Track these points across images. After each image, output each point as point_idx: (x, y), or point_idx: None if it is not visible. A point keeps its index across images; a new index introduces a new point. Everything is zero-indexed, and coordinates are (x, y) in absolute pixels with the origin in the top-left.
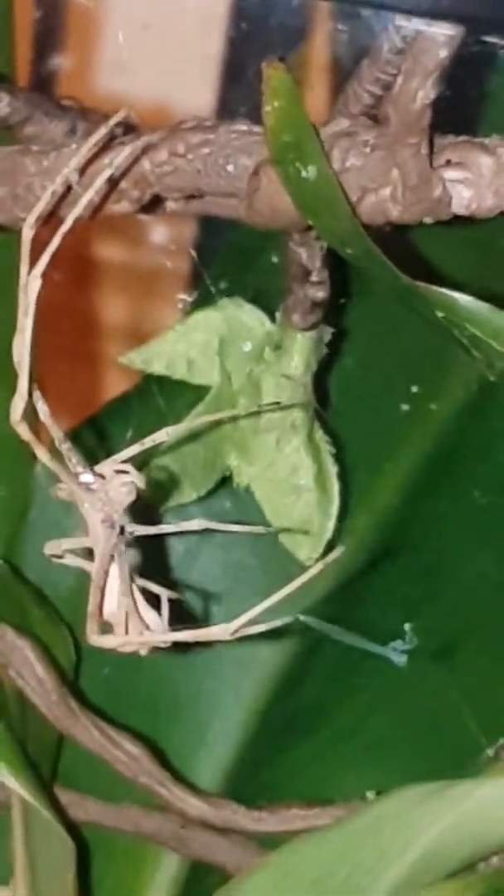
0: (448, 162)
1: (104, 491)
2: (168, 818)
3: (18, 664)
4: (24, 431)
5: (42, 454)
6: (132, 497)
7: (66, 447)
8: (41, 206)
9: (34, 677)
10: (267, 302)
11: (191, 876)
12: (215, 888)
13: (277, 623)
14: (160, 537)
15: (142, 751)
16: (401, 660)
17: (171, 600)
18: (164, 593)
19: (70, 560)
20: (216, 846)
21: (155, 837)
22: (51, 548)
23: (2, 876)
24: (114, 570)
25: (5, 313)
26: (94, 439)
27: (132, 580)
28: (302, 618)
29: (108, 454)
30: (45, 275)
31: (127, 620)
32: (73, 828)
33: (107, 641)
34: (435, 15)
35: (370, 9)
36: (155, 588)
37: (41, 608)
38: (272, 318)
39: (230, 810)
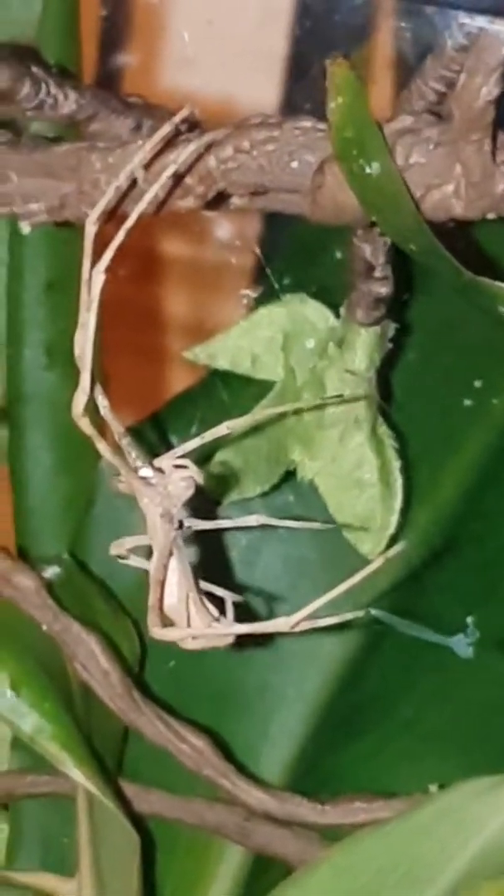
0: None
1: (163, 485)
2: (232, 811)
3: (84, 657)
4: (85, 426)
5: (103, 448)
6: (191, 492)
7: (125, 441)
8: (105, 202)
9: (99, 670)
10: (331, 298)
11: (254, 868)
12: (278, 881)
13: (349, 616)
14: (222, 532)
15: (205, 743)
16: (466, 652)
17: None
18: (228, 596)
19: (135, 561)
20: (279, 839)
21: (218, 830)
22: (115, 548)
23: (67, 868)
24: (173, 564)
25: (75, 308)
26: (157, 435)
27: (192, 575)
28: (373, 611)
29: (172, 449)
30: (109, 270)
31: (188, 615)
32: (137, 820)
33: (169, 634)
34: (498, 12)
35: (434, 6)
36: (218, 591)
37: (106, 602)
38: (336, 314)
39: (293, 803)
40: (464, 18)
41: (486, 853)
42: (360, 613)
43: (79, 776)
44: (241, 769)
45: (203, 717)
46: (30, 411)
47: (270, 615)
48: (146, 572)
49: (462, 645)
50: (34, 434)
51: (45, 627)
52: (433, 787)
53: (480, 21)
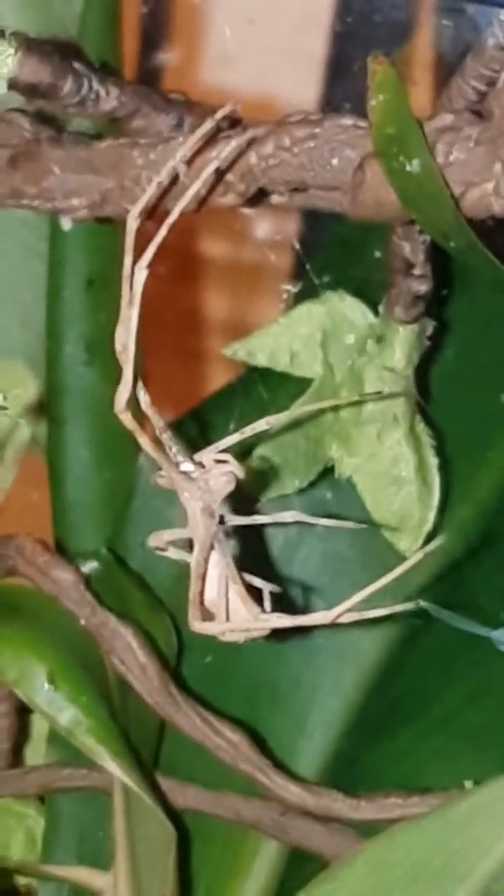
0: None
1: (204, 480)
2: (267, 805)
3: (121, 651)
4: (127, 420)
5: (144, 443)
6: (231, 486)
7: (166, 436)
8: (147, 198)
9: (136, 664)
10: (370, 295)
11: (289, 863)
12: (314, 875)
13: (399, 608)
14: (260, 528)
15: (242, 738)
16: None
17: (271, 593)
18: (266, 587)
19: (173, 553)
20: (315, 833)
21: (254, 824)
22: (154, 540)
23: (102, 862)
24: (214, 558)
25: (115, 303)
26: (196, 430)
27: (235, 568)
28: (423, 603)
29: (210, 445)
30: (149, 267)
31: (227, 608)
32: (173, 814)
33: (209, 628)
34: None
35: (475, 4)
36: (257, 582)
37: (144, 596)
38: (375, 312)
39: (329, 798)
40: None
41: None
42: (410, 605)
43: (115, 770)
44: (278, 764)
45: (240, 712)
46: (69, 406)
47: (308, 610)
48: (184, 567)
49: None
50: (73, 429)
51: (82, 622)
52: (468, 784)
53: None
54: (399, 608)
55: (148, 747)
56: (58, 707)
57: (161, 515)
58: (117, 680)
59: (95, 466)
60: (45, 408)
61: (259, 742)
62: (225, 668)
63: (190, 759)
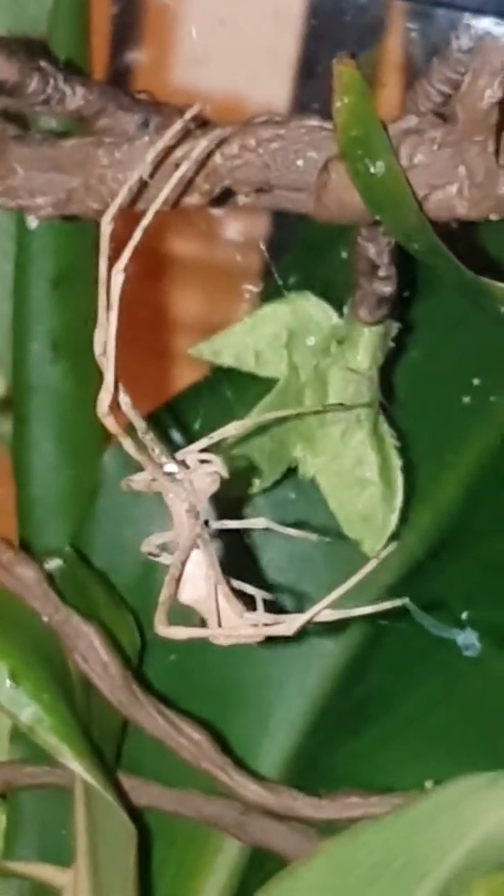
0: None
1: (189, 481)
2: (229, 804)
3: (84, 649)
4: (110, 424)
5: (128, 445)
6: (216, 486)
7: (148, 438)
8: (119, 201)
9: (99, 662)
10: (336, 296)
11: (250, 861)
12: (274, 874)
13: (387, 605)
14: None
15: (204, 737)
16: (474, 649)
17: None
18: (259, 594)
19: (167, 559)
20: (276, 833)
21: (216, 823)
22: (146, 546)
23: (65, 858)
24: (198, 557)
25: (81, 301)
26: (162, 430)
27: (218, 569)
28: (408, 603)
29: (176, 445)
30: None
31: (217, 609)
32: (135, 813)
33: (175, 633)
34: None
35: (442, 8)
36: (248, 589)
37: (107, 594)
38: (340, 313)
39: (290, 797)
40: (471, 20)
41: (482, 849)
42: (398, 602)
43: (77, 768)
44: (240, 763)
45: (203, 710)
46: (35, 404)
47: (275, 606)
48: (148, 567)
49: (471, 644)
50: (39, 426)
51: (45, 619)
52: (429, 784)
53: (487, 23)
54: (387, 605)
55: (110, 745)
56: (19, 704)
57: (126, 514)
58: (80, 678)
59: (61, 464)
60: (11, 405)
61: (222, 741)
62: (189, 667)
63: (152, 758)
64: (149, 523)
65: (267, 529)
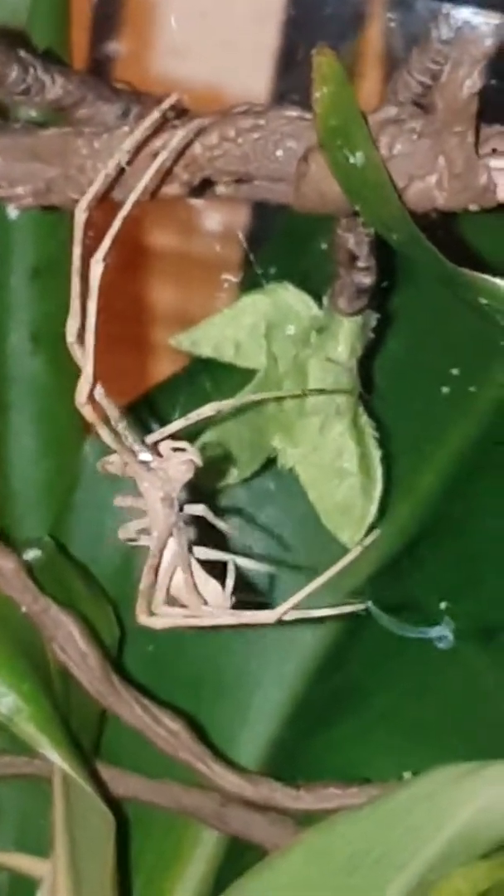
0: (494, 151)
1: (163, 469)
2: (207, 795)
3: (62, 639)
4: (88, 413)
5: (105, 435)
6: (190, 474)
7: (122, 426)
8: (94, 190)
9: (77, 653)
10: (315, 287)
11: (229, 852)
12: (253, 865)
13: (347, 609)
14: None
15: (182, 727)
16: (448, 643)
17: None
18: (230, 558)
19: (146, 541)
20: (254, 823)
21: (194, 813)
22: (123, 532)
23: (44, 849)
24: (173, 545)
25: (61, 293)
26: (141, 421)
27: (191, 555)
28: (371, 606)
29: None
30: (104, 259)
31: (186, 595)
32: (113, 803)
33: (155, 622)
34: (483, 4)
35: None
36: (218, 554)
37: (86, 585)
38: (319, 303)
39: (268, 788)
40: (450, 10)
41: (459, 839)
42: (361, 606)
43: (56, 758)
44: (219, 754)
45: (182, 701)
46: (14, 395)
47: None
48: (127, 557)
49: (444, 637)
50: (18, 417)
51: (24, 609)
52: (407, 775)
53: (466, 13)
54: (347, 609)
55: (89, 736)
56: None
57: (105, 504)
58: (58, 668)
59: (40, 455)
60: None
61: (200, 731)
62: (168, 658)
63: (132, 749)
64: (128, 514)
65: (246, 517)
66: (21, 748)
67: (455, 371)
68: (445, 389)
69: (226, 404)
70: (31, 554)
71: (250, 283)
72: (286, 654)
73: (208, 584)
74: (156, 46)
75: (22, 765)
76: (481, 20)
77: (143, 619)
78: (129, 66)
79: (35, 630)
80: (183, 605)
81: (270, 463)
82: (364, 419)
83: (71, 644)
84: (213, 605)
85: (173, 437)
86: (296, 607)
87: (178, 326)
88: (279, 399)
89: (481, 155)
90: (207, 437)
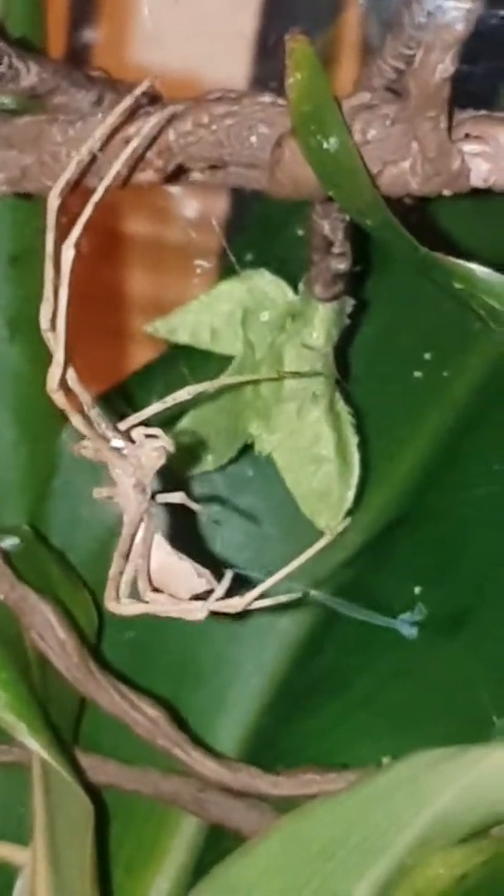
0: (467, 135)
1: (135, 456)
2: (187, 781)
3: (40, 626)
4: (59, 399)
5: (77, 422)
6: (163, 461)
7: (94, 413)
8: (66, 176)
9: (56, 640)
10: (291, 273)
11: (208, 839)
12: (232, 851)
13: (283, 599)
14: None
15: (160, 714)
16: (410, 632)
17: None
18: (200, 571)
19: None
20: (233, 810)
21: (174, 800)
22: (97, 493)
23: (24, 836)
24: (143, 532)
25: (39, 280)
26: (118, 408)
27: (149, 546)
28: (313, 593)
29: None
30: (76, 245)
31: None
32: (92, 790)
33: (124, 609)
34: None
35: None
36: (194, 565)
37: (65, 573)
38: (295, 289)
39: (247, 774)
40: None
41: (438, 824)
42: (298, 595)
43: (34, 745)
44: (198, 740)
45: (161, 688)
46: None
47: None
48: (105, 544)
49: (405, 625)
50: None
51: (2, 597)
52: (386, 760)
53: None
54: (283, 598)
55: (67, 723)
56: None
57: (83, 492)
58: (37, 655)
59: (18, 442)
60: None
61: (179, 718)
62: (146, 645)
63: (111, 736)
64: (106, 502)
65: (225, 504)
66: (0, 736)
67: (428, 356)
68: (418, 374)
69: (201, 387)
70: (9, 542)
71: (226, 270)
72: (265, 641)
73: (182, 566)
74: (133, 34)
75: (0, 752)
76: (453, 5)
77: (111, 605)
78: (106, 54)
79: (13, 618)
80: (158, 591)
81: (248, 449)
82: (340, 405)
83: (49, 631)
84: (185, 588)
85: (146, 423)
86: (266, 594)
87: (154, 314)
88: (255, 385)
89: (454, 140)
90: (184, 423)
